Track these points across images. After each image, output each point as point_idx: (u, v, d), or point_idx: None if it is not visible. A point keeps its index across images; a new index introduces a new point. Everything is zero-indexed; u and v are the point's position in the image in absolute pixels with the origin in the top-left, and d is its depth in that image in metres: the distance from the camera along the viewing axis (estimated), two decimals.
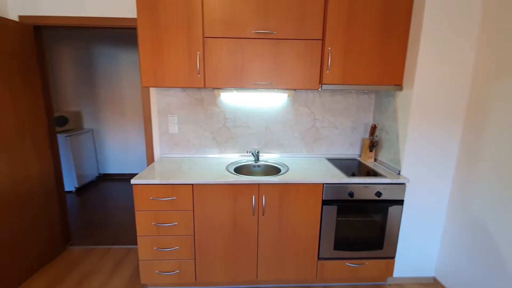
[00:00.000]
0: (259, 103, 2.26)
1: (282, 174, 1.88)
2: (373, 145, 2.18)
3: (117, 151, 4.44)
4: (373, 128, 2.18)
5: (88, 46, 4.07)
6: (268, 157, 2.33)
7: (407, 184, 1.90)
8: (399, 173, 1.90)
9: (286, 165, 2.09)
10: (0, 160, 1.82)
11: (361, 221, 1.88)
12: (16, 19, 2.06)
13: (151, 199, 1.76)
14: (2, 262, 1.86)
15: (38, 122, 2.14)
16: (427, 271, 2.08)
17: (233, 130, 2.30)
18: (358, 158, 2.34)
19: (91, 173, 4.23)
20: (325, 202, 1.83)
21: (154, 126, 2.27)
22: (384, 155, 2.12)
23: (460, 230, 1.84)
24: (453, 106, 1.80)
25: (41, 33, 2.23)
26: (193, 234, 1.83)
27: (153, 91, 2.22)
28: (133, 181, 1.72)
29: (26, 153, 2.03)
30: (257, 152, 2.21)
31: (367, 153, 2.22)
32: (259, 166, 2.20)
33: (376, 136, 2.25)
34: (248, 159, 2.26)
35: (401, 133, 1.90)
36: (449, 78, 1.76)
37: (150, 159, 2.31)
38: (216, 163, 2.12)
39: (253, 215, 1.82)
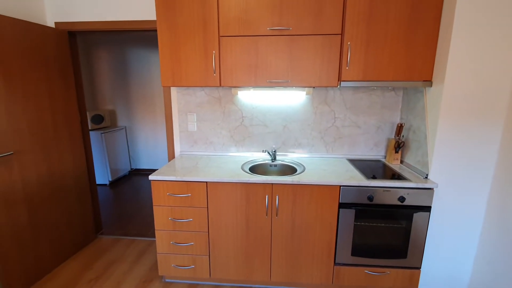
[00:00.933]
0: (276, 102, 2.22)
1: (297, 174, 1.83)
2: (399, 146, 2.03)
3: (147, 147, 4.68)
4: (400, 128, 2.02)
5: (122, 48, 4.33)
6: (286, 157, 2.28)
7: (435, 189, 1.73)
8: (426, 177, 1.75)
9: (303, 165, 2.03)
10: (39, 155, 2.01)
11: (382, 227, 1.76)
12: (52, 25, 2.25)
13: (167, 195, 1.82)
14: (42, 247, 2.06)
15: (72, 120, 2.32)
16: (459, 287, 1.89)
17: (250, 129, 2.29)
18: (383, 160, 2.19)
19: (124, 168, 4.51)
20: (342, 205, 1.74)
21: (174, 124, 2.34)
22: (411, 157, 1.96)
23: (499, 244, 1.64)
24: (491, 104, 1.60)
25: (75, 38, 2.42)
26: (207, 231, 1.86)
27: (173, 91, 2.29)
28: (151, 177, 1.79)
29: (61, 149, 2.22)
30: (274, 151, 2.17)
31: (392, 155, 2.07)
32: (275, 165, 2.16)
33: (403, 136, 2.09)
34: (264, 158, 2.24)
35: (430, 133, 1.74)
36: (486, 73, 1.57)
37: (171, 155, 2.39)
38: (232, 161, 2.13)
39: (266, 215, 1.80)
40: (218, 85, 1.88)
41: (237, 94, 2.14)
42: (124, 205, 3.49)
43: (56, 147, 2.17)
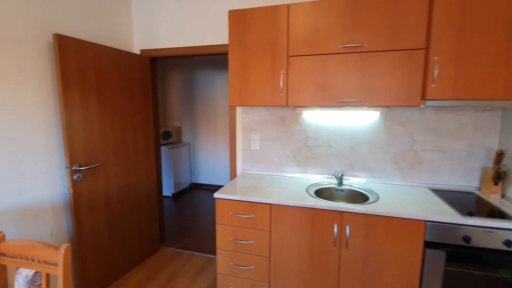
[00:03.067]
0: (343, 121, 2.09)
1: (371, 203, 1.64)
2: (499, 176, 1.69)
3: (207, 163, 4.90)
4: (500, 155, 1.69)
5: (191, 71, 4.73)
6: (353, 181, 2.10)
7: None
8: None
9: (375, 193, 1.83)
10: (120, 167, 2.24)
11: (480, 276, 1.43)
12: (138, 52, 2.56)
13: (230, 214, 1.81)
14: (115, 253, 2.24)
15: (148, 136, 2.55)
16: None
17: (314, 150, 2.18)
18: (477, 192, 1.85)
19: (185, 181, 4.78)
20: (428, 245, 1.48)
21: (238, 143, 2.38)
22: None
23: None
24: None
25: (155, 63, 2.70)
26: (268, 256, 1.77)
27: (238, 110, 2.34)
28: (216, 195, 1.81)
29: (138, 162, 2.43)
30: (341, 175, 2.02)
31: (490, 187, 1.73)
32: (342, 190, 2.00)
33: (504, 165, 1.73)
34: (329, 182, 2.09)
35: None
36: None
37: (233, 173, 2.42)
38: (296, 183, 2.04)
39: (334, 246, 1.64)
40: (285, 104, 1.85)
41: (301, 113, 2.08)
42: (184, 217, 3.65)
43: (134, 160, 2.39)
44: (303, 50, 1.77)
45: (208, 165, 4.90)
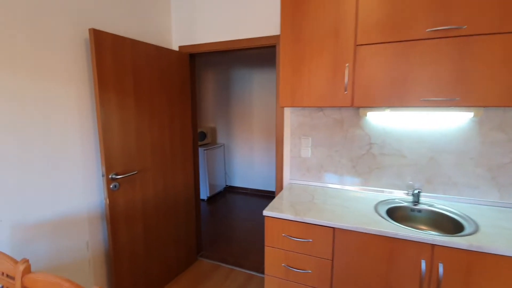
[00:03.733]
0: (419, 125, 1.70)
1: (470, 234, 1.25)
2: None
3: (242, 165, 4.68)
4: None
5: (227, 69, 4.53)
6: (432, 200, 1.70)
7: None
8: None
9: (470, 218, 1.42)
10: (157, 173, 2.06)
11: None
12: (177, 49, 2.37)
13: (283, 236, 1.52)
14: (151, 265, 2.08)
15: (186, 138, 2.36)
16: None
17: (380, 158, 1.81)
18: None
19: (220, 184, 4.60)
20: None
21: (285, 148, 2.08)
22: None
23: None
24: None
25: (194, 60, 2.50)
26: None
27: (287, 111, 2.05)
28: (265, 212, 1.54)
29: (176, 166, 2.25)
30: (418, 192, 1.63)
31: None
32: (419, 211, 1.61)
33: None
34: (401, 198, 1.72)
35: None
36: None
37: (280, 183, 2.13)
38: (358, 199, 1.70)
39: None
40: (350, 105, 1.52)
41: (365, 115, 1.73)
42: (220, 224, 3.45)
43: (171, 165, 2.20)
44: (375, 37, 1.42)
45: (244, 168, 4.68)
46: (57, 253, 1.59)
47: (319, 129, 1.96)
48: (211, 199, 4.36)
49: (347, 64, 1.49)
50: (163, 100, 2.08)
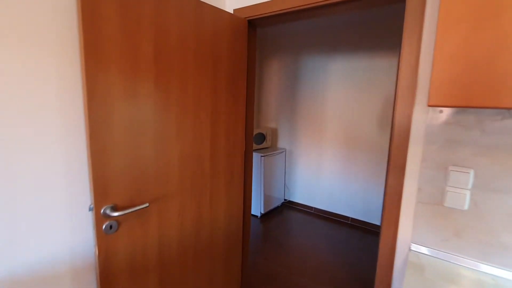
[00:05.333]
0: None
1: None
2: None
3: (306, 177, 3.76)
4: None
5: (296, 56, 3.64)
6: None
7: None
8: None
9: None
10: (187, 198, 1.34)
11: None
12: (231, 12, 1.60)
13: None
14: None
15: (235, 145, 1.59)
16: None
17: None
18: None
19: (278, 198, 3.78)
20: None
21: (407, 184, 1.12)
22: None
23: None
24: None
25: (254, 31, 1.69)
26: None
27: (420, 113, 1.07)
28: None
29: (216, 188, 1.50)
30: None
31: None
32: None
33: None
34: None
35: None
36: None
37: (388, 244, 1.18)
38: None
39: None
40: None
41: None
42: (275, 255, 2.62)
43: (211, 188, 1.46)
44: None
45: (308, 181, 3.75)
46: None
47: (497, 154, 0.94)
48: (266, 216, 3.57)
49: None
50: (203, 87, 1.33)
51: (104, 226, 1.02)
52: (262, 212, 3.47)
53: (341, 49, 3.27)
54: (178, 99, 1.23)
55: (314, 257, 2.64)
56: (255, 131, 3.55)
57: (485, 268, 0.98)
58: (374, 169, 3.18)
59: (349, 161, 3.35)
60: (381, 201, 3.17)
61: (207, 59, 1.33)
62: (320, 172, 3.62)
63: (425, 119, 1.06)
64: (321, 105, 3.52)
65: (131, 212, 1.07)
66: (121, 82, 1.02)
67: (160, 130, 1.17)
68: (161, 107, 1.16)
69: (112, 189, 1.04)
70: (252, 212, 3.54)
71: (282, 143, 3.95)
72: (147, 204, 1.10)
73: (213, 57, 1.36)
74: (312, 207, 3.74)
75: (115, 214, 1.02)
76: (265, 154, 3.39)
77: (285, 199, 3.97)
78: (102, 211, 1.01)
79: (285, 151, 3.87)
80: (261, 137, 3.63)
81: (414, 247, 1.12)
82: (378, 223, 3.22)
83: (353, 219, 3.40)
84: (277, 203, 3.79)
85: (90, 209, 1.02)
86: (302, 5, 1.31)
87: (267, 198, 3.50)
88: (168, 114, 1.20)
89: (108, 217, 1.03)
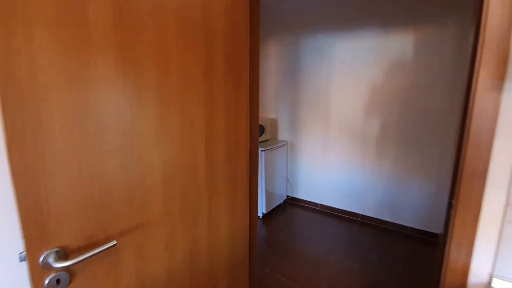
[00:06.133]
0: None
1: None
2: None
3: (311, 172, 3.44)
4: None
5: (297, 37, 3.25)
6: None
7: None
8: None
9: None
10: (178, 219, 0.99)
11: None
12: None
13: None
14: None
15: (238, 145, 1.23)
16: None
17: None
18: None
19: (281, 195, 3.46)
20: None
21: (489, 197, 0.79)
22: None
23: None
24: None
25: (258, 2, 1.31)
26: None
27: (508, 96, 0.73)
28: None
29: (216, 207, 1.15)
30: None
31: None
32: None
33: None
34: None
35: None
36: None
37: (456, 278, 0.86)
38: None
39: None
40: None
41: None
42: (282, 264, 2.32)
43: (208, 207, 1.11)
44: None
45: (312, 175, 3.43)
46: None
47: None
48: (268, 215, 3.25)
49: None
50: (192, 69, 0.96)
51: (47, 282, 0.67)
52: (264, 212, 3.15)
53: (349, 27, 2.89)
54: (157, 85, 0.86)
55: (327, 263, 2.35)
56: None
57: None
58: (389, 162, 2.87)
59: (360, 153, 3.03)
60: (396, 196, 2.87)
61: (197, 29, 0.96)
62: (326, 166, 3.31)
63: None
64: (325, 93, 3.17)
65: (91, 256, 0.71)
66: (59, 61, 0.64)
67: (130, 133, 0.80)
68: (130, 99, 0.79)
69: (56, 225, 0.68)
70: None
71: (282, 135, 3.61)
72: (114, 242, 0.74)
73: (205, 27, 0.98)
74: (317, 204, 3.44)
75: (63, 264, 0.66)
76: (266, 148, 3.04)
77: (288, 196, 3.66)
78: (41, 260, 0.66)
79: (287, 143, 3.52)
80: (260, 129, 3.27)
81: (497, 283, 0.80)
82: (392, 220, 2.93)
83: (363, 216, 3.11)
84: (280, 200, 3.48)
85: (21, 259, 0.66)
86: None
87: (269, 196, 3.18)
88: (141, 109, 0.83)
89: (51, 268, 0.67)
